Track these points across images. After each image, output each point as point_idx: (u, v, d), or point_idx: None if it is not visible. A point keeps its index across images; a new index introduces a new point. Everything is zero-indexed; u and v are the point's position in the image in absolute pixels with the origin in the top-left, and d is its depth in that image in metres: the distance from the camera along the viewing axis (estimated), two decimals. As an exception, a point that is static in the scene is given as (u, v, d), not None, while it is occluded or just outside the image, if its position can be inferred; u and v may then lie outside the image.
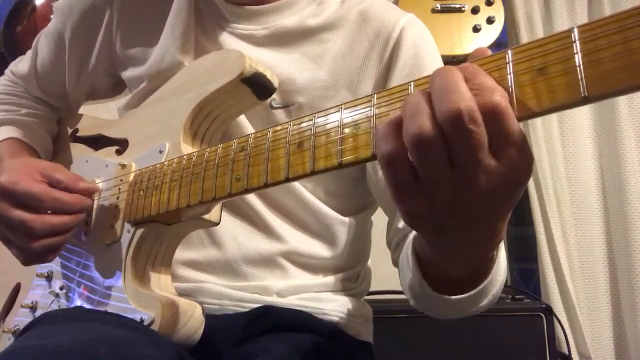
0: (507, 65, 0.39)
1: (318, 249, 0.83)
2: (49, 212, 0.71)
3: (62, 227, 0.72)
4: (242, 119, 0.79)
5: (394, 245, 0.80)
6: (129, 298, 0.67)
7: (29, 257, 0.74)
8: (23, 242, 0.72)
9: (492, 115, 0.37)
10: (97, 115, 0.95)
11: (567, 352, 1.64)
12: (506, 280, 2.07)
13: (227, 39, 0.83)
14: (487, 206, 0.42)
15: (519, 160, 0.40)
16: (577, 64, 0.35)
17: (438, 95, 0.39)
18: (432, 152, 0.39)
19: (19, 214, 0.71)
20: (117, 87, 1.00)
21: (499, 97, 0.38)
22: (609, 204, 1.87)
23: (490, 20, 1.85)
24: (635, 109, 1.85)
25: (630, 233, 1.78)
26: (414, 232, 0.64)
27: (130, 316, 0.65)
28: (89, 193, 0.74)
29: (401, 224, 0.78)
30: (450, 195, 0.41)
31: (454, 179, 0.40)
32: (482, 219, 0.45)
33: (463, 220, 0.44)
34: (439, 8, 1.87)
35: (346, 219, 0.85)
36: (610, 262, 1.86)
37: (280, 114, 0.80)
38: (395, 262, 0.82)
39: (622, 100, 1.84)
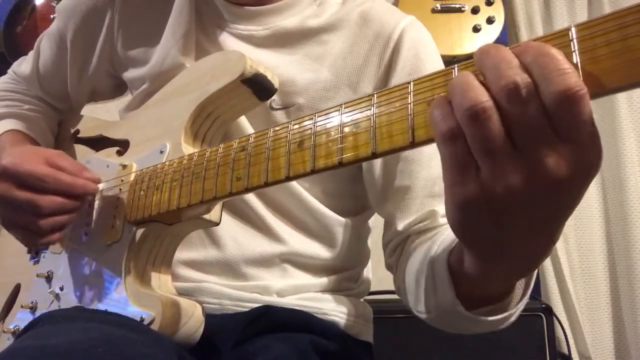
0: None
1: (318, 249, 0.83)
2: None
3: (68, 206, 0.72)
4: (243, 120, 0.79)
5: (391, 248, 0.80)
6: (130, 298, 0.68)
7: (33, 238, 0.74)
8: (29, 221, 0.72)
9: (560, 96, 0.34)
10: (97, 116, 0.95)
11: (567, 352, 1.64)
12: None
13: (227, 40, 0.83)
14: (553, 200, 0.38)
15: (590, 143, 0.36)
16: (575, 62, 0.35)
17: (492, 72, 0.36)
18: (489, 126, 0.36)
19: (24, 193, 0.71)
20: (118, 88, 1.00)
21: (569, 77, 0.34)
22: (609, 204, 1.87)
23: (490, 20, 1.85)
24: (635, 109, 1.85)
25: (630, 233, 1.78)
26: (441, 245, 0.61)
27: (130, 316, 0.65)
28: (93, 182, 0.74)
29: (401, 226, 0.76)
30: (512, 182, 0.37)
31: (516, 162, 0.36)
32: (546, 218, 0.40)
33: (525, 215, 0.39)
34: (439, 8, 1.88)
35: (345, 219, 0.85)
36: (610, 262, 1.86)
37: (280, 115, 0.80)
38: (390, 266, 0.82)
39: (622, 101, 1.84)
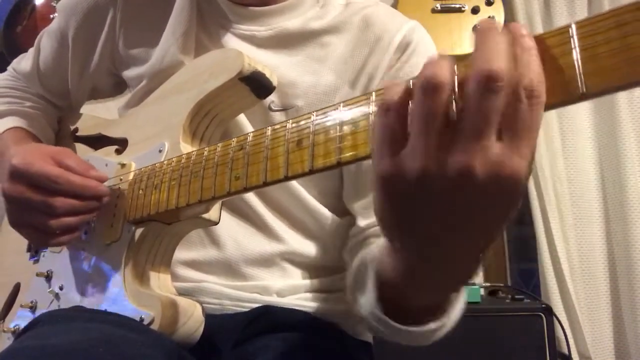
0: None
1: (317, 249, 0.83)
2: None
3: (80, 208, 0.71)
4: (242, 119, 0.79)
5: (350, 245, 0.79)
6: (129, 297, 0.67)
7: (43, 238, 0.73)
8: (40, 222, 0.71)
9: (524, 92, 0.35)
10: (96, 114, 0.95)
11: (567, 352, 1.64)
12: (506, 280, 2.07)
13: (229, 40, 0.83)
14: (467, 204, 0.38)
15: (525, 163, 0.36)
16: (575, 60, 0.35)
17: (479, 53, 0.36)
18: (440, 99, 0.36)
19: (37, 194, 0.70)
20: (118, 86, 1.00)
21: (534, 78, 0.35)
22: (609, 204, 1.87)
23: (490, 21, 1.85)
24: (635, 109, 1.85)
25: (630, 233, 1.78)
26: (378, 248, 0.58)
27: (130, 315, 0.65)
28: (101, 181, 0.74)
29: (363, 223, 0.76)
30: (429, 167, 0.36)
31: (445, 151, 0.36)
32: (461, 222, 0.39)
33: (438, 211, 0.39)
34: (439, 8, 1.88)
35: (345, 219, 0.85)
36: (610, 262, 1.86)
37: (279, 117, 0.80)
38: (344, 261, 0.80)
39: (622, 101, 1.84)
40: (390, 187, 0.39)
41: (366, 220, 0.77)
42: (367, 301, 0.56)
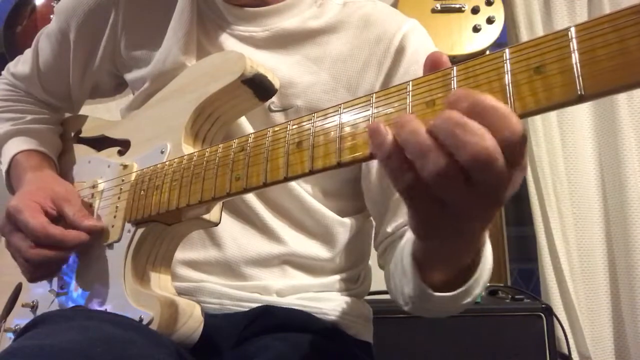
0: (505, 63, 0.39)
1: (317, 250, 0.83)
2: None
3: (55, 260, 0.74)
4: (244, 121, 0.79)
5: (382, 249, 0.81)
6: (129, 297, 0.68)
7: (28, 279, 0.78)
8: (22, 264, 0.76)
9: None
10: (97, 115, 0.95)
11: (567, 352, 1.64)
12: (506, 280, 2.07)
13: (227, 41, 0.83)
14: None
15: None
16: (574, 62, 0.36)
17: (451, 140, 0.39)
18: (416, 138, 0.40)
19: (17, 241, 0.75)
20: (119, 87, 1.00)
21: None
22: (609, 204, 1.87)
23: (490, 20, 1.85)
24: (635, 109, 1.85)
25: (630, 233, 1.77)
26: (408, 240, 0.64)
27: (129, 315, 0.65)
28: (92, 232, 0.74)
29: (390, 228, 0.77)
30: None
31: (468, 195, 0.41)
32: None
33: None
34: (439, 8, 1.88)
35: (345, 219, 0.85)
36: (610, 262, 1.86)
37: (278, 117, 0.80)
38: (381, 266, 0.82)
39: (622, 101, 1.84)
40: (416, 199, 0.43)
41: (392, 224, 0.78)
42: (413, 285, 0.60)
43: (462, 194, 0.40)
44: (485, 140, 0.37)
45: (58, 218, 0.76)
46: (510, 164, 0.38)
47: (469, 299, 0.61)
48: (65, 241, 0.73)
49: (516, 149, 0.38)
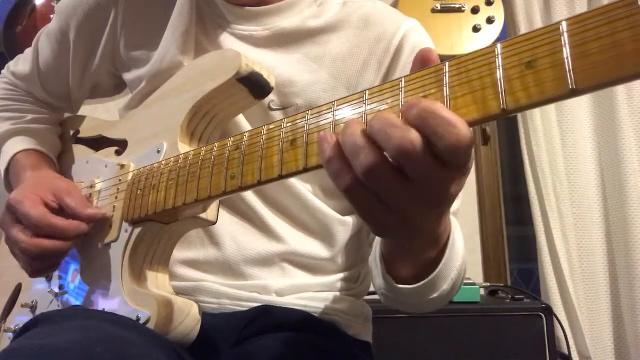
0: (497, 58, 0.39)
1: (317, 249, 0.83)
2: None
3: (55, 251, 0.73)
4: (241, 120, 0.79)
5: (373, 246, 0.80)
6: (126, 297, 0.68)
7: (29, 273, 0.77)
8: (21, 259, 0.75)
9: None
10: (96, 115, 0.96)
11: (567, 352, 1.64)
12: (506, 280, 2.07)
13: (227, 40, 0.83)
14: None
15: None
16: (565, 57, 0.35)
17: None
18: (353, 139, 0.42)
19: (16, 233, 0.74)
20: (119, 87, 1.00)
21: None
22: (609, 204, 1.87)
23: (490, 20, 1.85)
24: (635, 109, 1.85)
25: (630, 233, 1.77)
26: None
27: (126, 315, 0.65)
28: (93, 220, 0.74)
29: None
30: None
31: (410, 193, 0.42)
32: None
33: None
34: (439, 8, 1.88)
35: (345, 218, 0.85)
36: (610, 262, 1.86)
37: (278, 116, 0.80)
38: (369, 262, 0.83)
39: (622, 100, 1.84)
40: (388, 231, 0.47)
41: None
42: (382, 277, 0.65)
43: (397, 191, 0.42)
44: (410, 133, 0.39)
45: (58, 211, 0.76)
46: (455, 165, 0.41)
47: (435, 295, 0.63)
48: (66, 230, 0.72)
49: (461, 153, 0.40)
